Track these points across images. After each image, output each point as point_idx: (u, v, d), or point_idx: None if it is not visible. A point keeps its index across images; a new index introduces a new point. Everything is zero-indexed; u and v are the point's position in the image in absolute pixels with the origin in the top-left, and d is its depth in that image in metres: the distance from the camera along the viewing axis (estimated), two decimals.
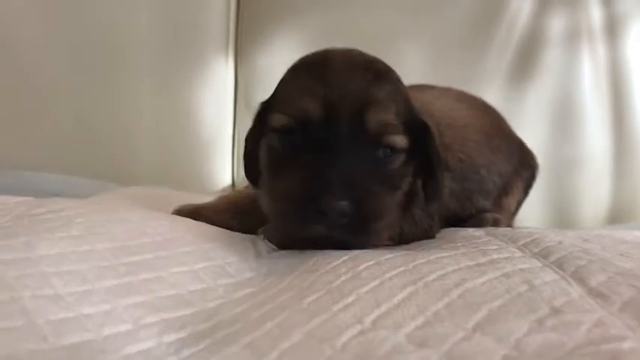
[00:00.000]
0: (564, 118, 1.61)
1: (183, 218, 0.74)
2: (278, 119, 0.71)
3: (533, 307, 0.45)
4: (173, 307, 0.52)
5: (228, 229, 0.80)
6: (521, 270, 0.55)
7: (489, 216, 1.02)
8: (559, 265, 0.59)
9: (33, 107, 1.52)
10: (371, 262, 0.57)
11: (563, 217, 1.61)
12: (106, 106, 1.54)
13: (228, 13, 1.65)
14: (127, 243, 0.61)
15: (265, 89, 1.56)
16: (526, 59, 1.62)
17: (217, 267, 0.62)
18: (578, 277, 0.55)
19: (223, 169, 1.62)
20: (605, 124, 1.62)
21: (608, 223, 1.59)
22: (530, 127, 1.59)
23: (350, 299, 0.49)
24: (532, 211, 1.55)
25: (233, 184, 1.60)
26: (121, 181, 1.39)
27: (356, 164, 0.67)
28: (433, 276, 0.53)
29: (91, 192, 1.06)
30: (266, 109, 0.78)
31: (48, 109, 1.52)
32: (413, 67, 1.59)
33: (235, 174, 1.64)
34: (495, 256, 0.60)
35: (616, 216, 1.61)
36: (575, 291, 0.50)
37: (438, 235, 0.82)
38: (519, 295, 0.48)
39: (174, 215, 0.75)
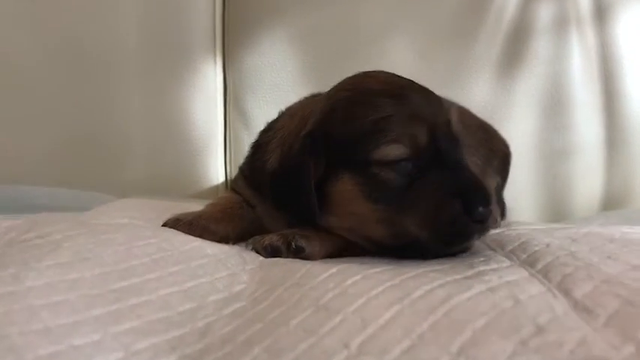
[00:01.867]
0: (555, 107, 1.60)
1: (172, 234, 0.74)
2: (390, 151, 0.72)
3: (518, 326, 0.46)
4: (163, 331, 0.53)
5: (225, 237, 0.82)
6: (508, 283, 0.55)
7: None
8: (545, 273, 0.60)
9: (23, 121, 1.51)
10: (358, 277, 0.57)
11: (555, 206, 1.61)
12: (95, 114, 1.53)
13: (214, 14, 1.63)
14: (116, 267, 0.61)
15: (255, 90, 1.59)
16: (515, 48, 1.61)
17: (206, 284, 0.62)
18: (564, 287, 0.55)
19: (216, 172, 1.62)
20: (596, 112, 1.61)
21: (601, 212, 1.59)
22: (520, 117, 1.59)
23: (337, 320, 0.50)
24: (525, 201, 1.56)
25: (227, 187, 1.59)
26: (113, 190, 1.39)
27: (471, 171, 0.75)
28: (419, 292, 0.53)
29: (84, 204, 1.06)
30: (321, 141, 0.76)
31: (38, 122, 1.51)
32: (401, 59, 1.59)
33: (228, 176, 1.64)
34: (482, 268, 0.60)
35: (609, 204, 1.61)
36: (561, 305, 0.51)
37: None
38: (504, 313, 0.48)
39: (163, 231, 0.75)
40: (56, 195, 1.23)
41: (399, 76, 0.81)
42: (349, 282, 0.56)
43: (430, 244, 0.71)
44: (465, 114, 1.18)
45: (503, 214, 1.24)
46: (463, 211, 0.69)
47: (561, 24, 1.60)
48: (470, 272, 0.59)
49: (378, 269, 0.61)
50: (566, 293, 0.54)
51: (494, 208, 0.79)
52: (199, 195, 1.54)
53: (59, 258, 0.60)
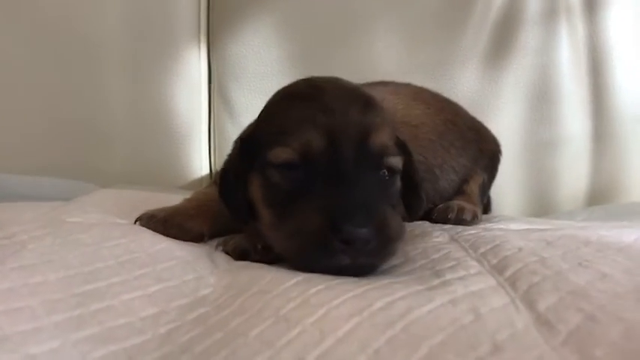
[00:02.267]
0: (542, 99, 1.59)
1: (142, 234, 0.73)
2: (279, 154, 0.70)
3: (475, 343, 0.45)
4: (123, 338, 0.52)
5: (199, 234, 0.82)
6: (472, 294, 0.55)
7: (454, 204, 1.05)
8: (512, 282, 0.59)
9: (2, 107, 1.49)
10: (321, 286, 0.57)
11: (541, 199, 1.60)
12: (76, 101, 1.51)
13: (198, 1, 1.61)
14: (81, 270, 0.60)
15: (239, 78, 1.57)
16: (503, 39, 1.59)
17: (172, 287, 0.61)
18: (529, 299, 0.55)
19: (200, 161, 1.60)
20: (583, 105, 1.60)
21: (587, 205, 1.58)
22: (507, 108, 1.58)
23: (295, 331, 0.49)
24: (509, 194, 1.55)
25: (211, 176, 1.58)
26: (94, 179, 1.38)
27: (366, 189, 0.67)
28: (380, 303, 0.52)
29: (64, 193, 1.05)
30: (249, 143, 0.78)
31: (16, 108, 1.49)
32: (386, 49, 1.57)
33: (213, 166, 1.62)
34: (449, 276, 0.60)
35: (595, 198, 1.60)
36: (522, 320, 0.50)
37: (401, 249, 0.81)
38: (463, 328, 0.48)
39: (133, 231, 0.74)
40: (36, 184, 1.22)
41: (336, 83, 0.77)
42: (312, 291, 0.56)
43: (291, 259, 0.68)
44: (455, 113, 1.18)
45: (487, 209, 1.25)
46: (329, 228, 0.62)
47: (550, 14, 1.58)
48: (435, 282, 0.58)
49: (342, 279, 0.60)
50: (530, 305, 0.53)
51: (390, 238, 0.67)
52: (184, 186, 1.52)
53: (23, 260, 0.60)
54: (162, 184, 1.45)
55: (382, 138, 0.71)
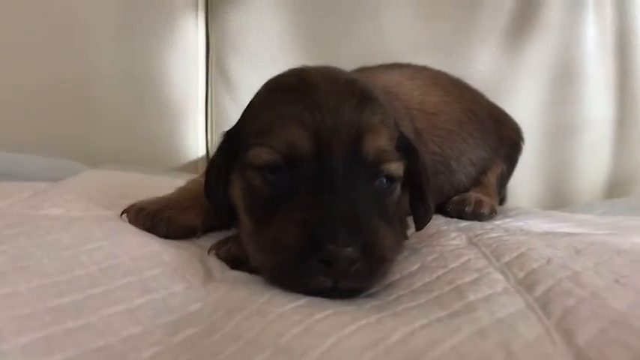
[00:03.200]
0: (564, 80, 1.49)
1: (128, 232, 0.66)
2: (259, 154, 0.62)
3: None
4: None
5: (192, 229, 0.74)
6: (500, 322, 0.48)
7: (471, 196, 0.98)
8: (544, 305, 0.52)
9: None
10: (329, 311, 0.50)
11: (558, 189, 1.53)
12: (62, 74, 1.42)
13: None
14: (57, 278, 0.55)
15: (239, 50, 1.48)
16: (524, 15, 1.48)
17: (158, 301, 0.55)
18: (565, 328, 0.48)
19: (195, 141, 1.52)
20: (608, 88, 1.51)
21: (608, 196, 1.51)
22: (525, 90, 1.49)
23: None
24: (524, 183, 1.48)
25: (208, 157, 1.51)
26: (82, 157, 1.30)
27: (356, 201, 0.58)
28: (397, 335, 0.45)
29: (51, 172, 0.98)
30: (234, 139, 0.69)
31: (4, 83, 1.40)
32: (397, 24, 1.47)
33: (210, 145, 1.55)
34: (472, 297, 0.53)
35: (615, 189, 1.53)
36: (560, 357, 0.43)
37: (415, 246, 0.74)
38: None
39: (117, 229, 0.66)
40: (22, 162, 1.15)
41: (330, 75, 0.67)
42: (318, 316, 0.49)
43: (265, 276, 0.60)
44: (475, 101, 1.10)
45: (502, 201, 1.19)
46: (308, 244, 0.54)
47: None
48: (458, 305, 0.51)
49: (351, 307, 0.53)
50: (568, 337, 0.47)
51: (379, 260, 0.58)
52: (178, 168, 1.45)
53: None
54: (155, 164, 1.38)
55: (379, 142, 0.62)
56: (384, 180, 0.64)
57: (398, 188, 0.67)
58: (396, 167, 0.64)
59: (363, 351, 0.44)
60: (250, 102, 0.72)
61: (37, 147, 1.34)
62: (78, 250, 0.59)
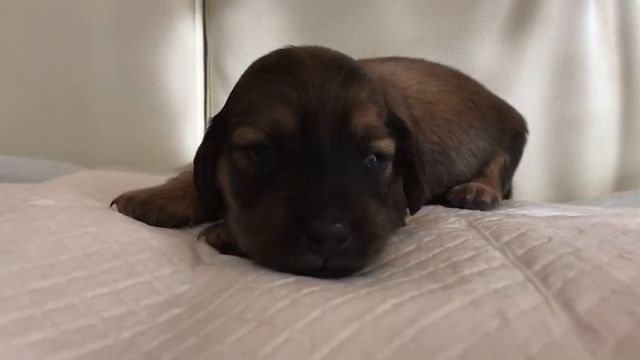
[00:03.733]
0: (566, 74, 1.47)
1: (115, 220, 0.64)
2: (244, 134, 0.61)
3: (502, 357, 0.36)
4: (80, 343, 0.44)
5: (184, 218, 0.73)
6: (496, 293, 0.46)
7: (473, 185, 0.96)
8: (543, 278, 0.50)
9: None
10: (317, 287, 0.48)
11: (564, 183, 1.49)
12: (59, 77, 1.42)
13: None
14: (40, 262, 0.53)
15: (237, 50, 1.47)
16: (524, 8, 1.46)
17: (144, 284, 0.53)
18: (565, 298, 0.46)
19: (194, 142, 1.50)
20: (612, 81, 1.48)
21: (615, 190, 1.47)
22: (527, 84, 1.47)
23: (280, 338, 0.41)
24: (530, 178, 1.45)
25: None
26: (79, 160, 1.29)
27: (345, 178, 0.56)
28: (386, 306, 0.43)
29: (48, 174, 0.97)
30: (221, 123, 0.68)
31: (1, 86, 1.40)
32: (395, 18, 1.46)
33: None
34: (467, 271, 0.51)
35: (623, 182, 1.49)
36: (559, 324, 0.41)
37: (412, 231, 0.72)
38: (487, 336, 0.39)
39: (106, 217, 0.65)
40: (18, 164, 1.15)
41: (316, 53, 0.65)
42: (305, 291, 0.47)
43: (254, 258, 0.58)
44: (475, 92, 1.09)
45: (508, 195, 1.16)
46: (295, 222, 0.53)
47: None
48: (451, 279, 0.49)
49: (342, 283, 0.51)
50: (567, 306, 0.44)
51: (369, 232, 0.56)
52: (176, 170, 1.44)
53: None
54: (153, 165, 1.36)
55: (367, 117, 0.60)
56: (374, 158, 0.62)
57: (389, 167, 0.66)
58: (386, 144, 0.63)
59: (349, 321, 0.42)
60: (236, 84, 0.71)
61: (36, 149, 1.32)
62: (64, 235, 0.57)
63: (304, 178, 0.55)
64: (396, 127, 0.67)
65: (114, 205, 0.71)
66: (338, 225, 0.52)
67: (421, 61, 1.10)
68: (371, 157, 0.62)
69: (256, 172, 0.60)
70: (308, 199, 0.53)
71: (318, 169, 0.56)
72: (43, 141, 1.40)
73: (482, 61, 1.45)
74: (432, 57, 1.15)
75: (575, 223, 0.68)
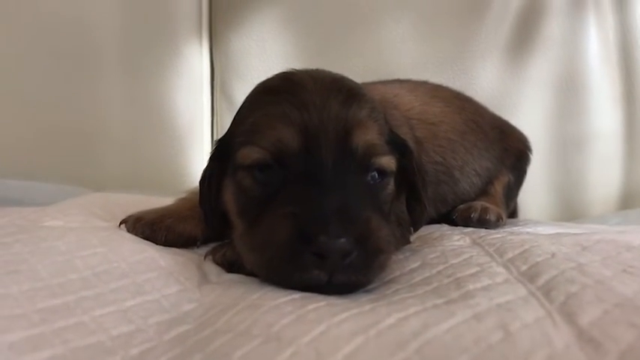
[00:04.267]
0: (569, 94, 1.48)
1: (123, 241, 0.65)
2: (249, 153, 0.62)
3: None
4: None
5: (192, 238, 0.74)
6: (498, 307, 0.46)
7: (477, 204, 0.96)
8: (546, 292, 0.50)
9: None
10: (322, 303, 0.49)
11: (569, 202, 1.49)
12: (69, 101, 1.44)
13: None
14: (49, 282, 0.54)
15: (243, 74, 1.49)
16: (526, 30, 1.48)
17: (151, 302, 0.54)
18: (567, 311, 0.46)
19: (202, 165, 1.51)
20: (614, 101, 1.49)
21: (620, 208, 1.47)
22: (530, 105, 1.48)
23: (287, 353, 0.41)
24: (534, 197, 1.45)
25: None
26: (89, 184, 1.30)
27: (347, 194, 0.57)
28: (390, 320, 0.44)
29: (56, 198, 0.98)
30: (226, 145, 0.70)
31: (12, 111, 1.42)
32: (399, 42, 1.48)
33: None
34: (471, 286, 0.51)
35: (628, 201, 1.49)
36: (561, 336, 0.42)
37: (417, 248, 0.73)
38: (490, 348, 0.39)
39: (114, 237, 0.66)
40: (28, 188, 1.16)
41: (317, 74, 0.67)
42: (310, 307, 0.48)
43: (260, 276, 0.59)
44: (477, 113, 1.10)
45: (514, 215, 1.16)
46: (299, 238, 0.54)
47: (577, 3, 1.48)
48: (455, 294, 0.50)
49: (346, 299, 0.52)
50: (570, 319, 0.45)
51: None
52: (187, 191, 1.45)
53: None
54: (161, 189, 1.37)
55: (368, 135, 0.62)
56: (376, 174, 0.63)
57: (391, 183, 0.67)
58: (387, 161, 0.64)
59: (354, 335, 0.43)
60: (240, 106, 0.73)
61: (45, 174, 1.34)
62: (73, 255, 0.58)
63: (307, 195, 0.56)
64: (398, 146, 0.69)
65: (122, 226, 0.73)
66: (342, 240, 0.53)
67: (424, 83, 1.11)
68: (373, 173, 0.63)
69: (260, 191, 0.62)
70: (311, 215, 0.54)
71: (320, 186, 0.57)
72: (51, 165, 1.41)
73: (484, 82, 1.47)
74: (435, 79, 1.17)
75: (578, 240, 0.68)
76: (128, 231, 0.71)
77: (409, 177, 0.71)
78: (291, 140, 0.59)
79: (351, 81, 0.69)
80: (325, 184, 0.57)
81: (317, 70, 0.69)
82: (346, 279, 0.54)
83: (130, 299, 0.53)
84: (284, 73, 0.69)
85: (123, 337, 0.48)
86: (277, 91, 0.65)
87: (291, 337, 0.43)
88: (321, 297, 0.51)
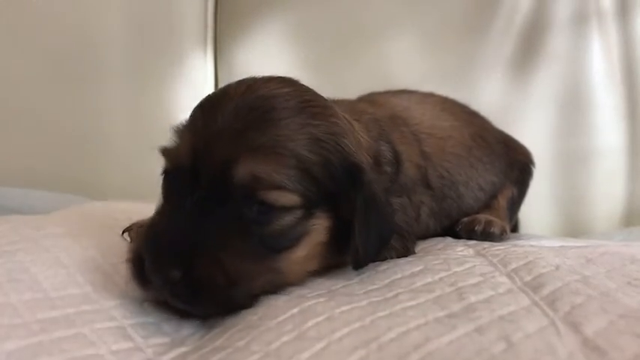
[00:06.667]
0: (573, 110, 1.46)
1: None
2: (165, 160, 0.64)
3: None
4: None
5: None
6: (501, 318, 0.46)
7: (481, 217, 0.94)
8: (550, 302, 0.50)
9: None
10: (321, 318, 0.48)
11: (572, 219, 1.47)
12: (73, 110, 1.43)
13: (205, 6, 1.54)
14: (51, 294, 0.54)
15: None
16: (529, 46, 1.47)
17: (153, 325, 0.54)
18: (572, 321, 0.46)
19: None
20: (618, 116, 1.47)
21: (624, 225, 1.45)
22: (533, 120, 1.47)
23: None
24: (537, 213, 1.43)
25: None
26: (92, 193, 1.29)
27: (209, 225, 0.56)
28: (391, 334, 0.44)
29: (57, 206, 0.97)
30: None
31: (14, 120, 1.40)
32: (403, 56, 1.48)
33: None
34: (473, 298, 0.50)
35: (632, 218, 1.46)
36: (565, 345, 0.41)
37: (420, 258, 0.72)
38: (492, 359, 0.39)
39: (119, 249, 0.66)
40: (30, 197, 1.15)
41: (251, 88, 0.63)
42: (310, 323, 0.47)
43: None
44: (484, 127, 1.09)
45: (515, 229, 1.15)
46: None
47: (580, 19, 1.47)
48: (457, 307, 0.49)
49: (346, 307, 0.51)
50: (575, 328, 0.44)
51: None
52: None
53: None
54: None
55: (256, 166, 0.57)
56: (264, 207, 0.59)
57: (286, 217, 0.60)
58: (278, 195, 0.58)
59: (354, 350, 0.42)
60: None
61: (48, 183, 1.33)
62: (76, 269, 0.58)
63: (169, 218, 0.58)
64: (347, 170, 0.63)
65: (125, 234, 0.72)
66: (163, 270, 0.53)
67: (432, 95, 1.11)
68: (253, 206, 0.58)
69: (165, 196, 0.63)
70: (153, 239, 0.55)
71: (183, 209, 0.57)
72: (54, 174, 1.40)
73: (488, 96, 1.45)
74: (439, 92, 1.16)
75: (583, 253, 0.68)
76: (131, 240, 0.71)
77: (351, 212, 0.63)
78: (185, 158, 0.60)
79: (287, 100, 0.63)
80: (188, 207, 0.57)
81: (269, 80, 0.66)
82: (177, 305, 0.55)
83: (131, 318, 0.53)
84: (232, 82, 0.67)
85: (122, 353, 0.49)
86: (200, 104, 0.65)
87: (291, 353, 0.43)
88: (320, 309, 0.50)
